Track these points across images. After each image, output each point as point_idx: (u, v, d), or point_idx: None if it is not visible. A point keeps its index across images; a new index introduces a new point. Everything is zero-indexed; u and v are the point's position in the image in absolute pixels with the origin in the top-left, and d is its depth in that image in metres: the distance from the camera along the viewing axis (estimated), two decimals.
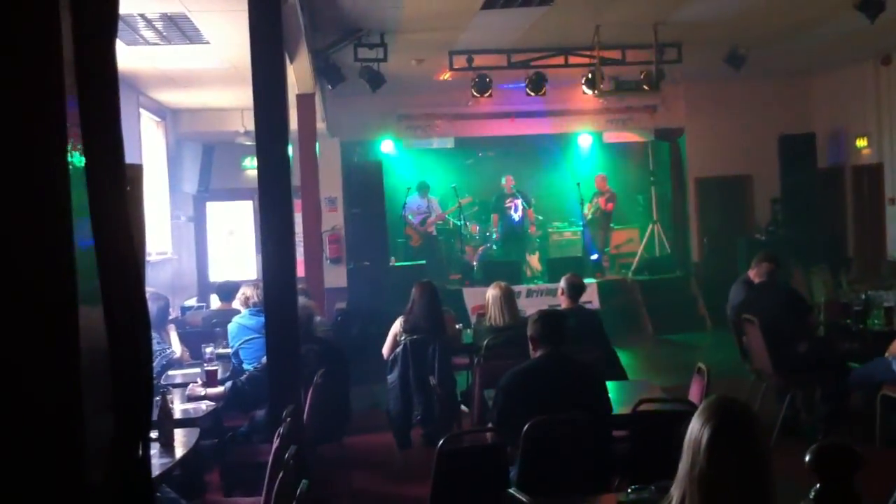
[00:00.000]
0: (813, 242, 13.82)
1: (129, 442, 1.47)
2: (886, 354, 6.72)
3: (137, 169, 2.32)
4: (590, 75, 11.56)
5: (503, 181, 15.39)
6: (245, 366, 6.66)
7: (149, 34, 8.57)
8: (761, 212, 15.55)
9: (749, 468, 2.42)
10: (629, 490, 3.54)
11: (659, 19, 10.25)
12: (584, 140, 16.23)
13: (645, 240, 15.82)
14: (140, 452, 1.49)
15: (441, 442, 4.33)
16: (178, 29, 8.44)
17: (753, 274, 8.09)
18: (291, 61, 9.18)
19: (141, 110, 11.79)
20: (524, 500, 3.78)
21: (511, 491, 3.93)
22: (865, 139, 14.23)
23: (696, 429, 2.47)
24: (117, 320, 1.47)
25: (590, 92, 11.78)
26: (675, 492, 2.48)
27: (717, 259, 14.90)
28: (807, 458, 2.32)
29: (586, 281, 9.16)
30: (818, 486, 2.30)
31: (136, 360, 1.49)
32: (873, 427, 6.82)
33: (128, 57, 9.36)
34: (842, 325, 8.26)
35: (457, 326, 8.52)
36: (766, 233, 14.86)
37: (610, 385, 5.18)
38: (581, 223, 15.37)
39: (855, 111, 14.43)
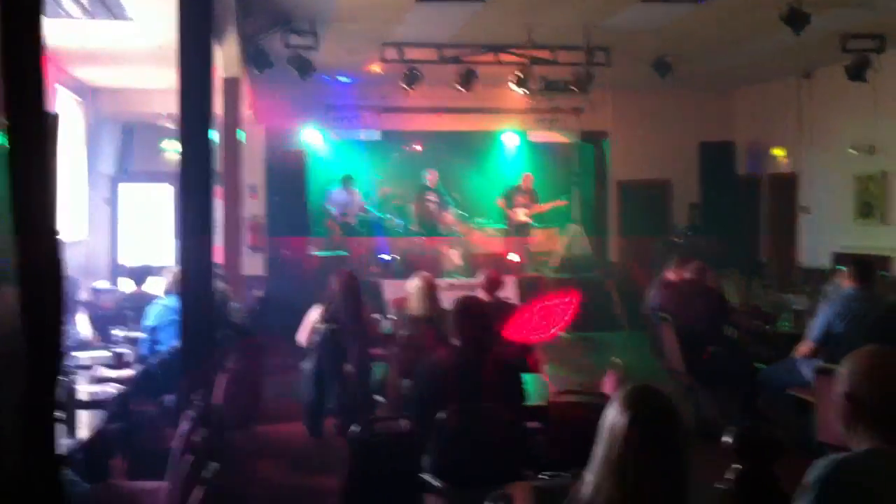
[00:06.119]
0: (728, 247, 14.14)
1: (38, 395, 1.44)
2: (795, 354, 6.88)
3: (53, 118, 2.22)
4: (520, 74, 11.64)
5: (427, 175, 15.43)
6: (159, 347, 6.51)
7: (71, 8, 8.32)
8: (680, 216, 15.86)
9: (665, 455, 2.43)
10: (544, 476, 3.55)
11: (590, 22, 10.35)
12: (510, 138, 16.36)
13: (565, 239, 16.00)
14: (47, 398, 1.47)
15: (355, 428, 4.29)
16: (103, 4, 8.22)
17: (672, 274, 8.23)
18: (219, 44, 9.02)
19: (60, 87, 11.45)
20: (438, 484, 3.77)
21: (425, 476, 3.92)
22: (784, 149, 14.61)
23: (614, 415, 2.46)
24: (32, 287, 1.43)
25: (519, 90, 11.86)
26: (590, 477, 2.48)
27: (635, 261, 15.13)
28: (728, 441, 2.32)
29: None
30: (739, 468, 2.31)
31: (47, 324, 1.45)
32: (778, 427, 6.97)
33: (48, 31, 9.07)
34: (753, 328, 8.46)
35: (374, 317, 8.47)
36: (684, 236, 15.16)
37: (525, 378, 5.20)
38: (505, 224, 15.49)
39: (775, 122, 14.80)
